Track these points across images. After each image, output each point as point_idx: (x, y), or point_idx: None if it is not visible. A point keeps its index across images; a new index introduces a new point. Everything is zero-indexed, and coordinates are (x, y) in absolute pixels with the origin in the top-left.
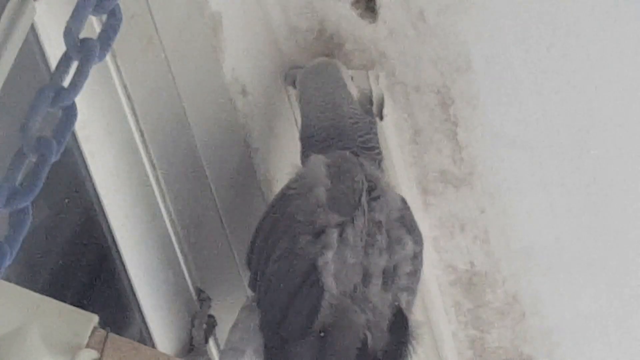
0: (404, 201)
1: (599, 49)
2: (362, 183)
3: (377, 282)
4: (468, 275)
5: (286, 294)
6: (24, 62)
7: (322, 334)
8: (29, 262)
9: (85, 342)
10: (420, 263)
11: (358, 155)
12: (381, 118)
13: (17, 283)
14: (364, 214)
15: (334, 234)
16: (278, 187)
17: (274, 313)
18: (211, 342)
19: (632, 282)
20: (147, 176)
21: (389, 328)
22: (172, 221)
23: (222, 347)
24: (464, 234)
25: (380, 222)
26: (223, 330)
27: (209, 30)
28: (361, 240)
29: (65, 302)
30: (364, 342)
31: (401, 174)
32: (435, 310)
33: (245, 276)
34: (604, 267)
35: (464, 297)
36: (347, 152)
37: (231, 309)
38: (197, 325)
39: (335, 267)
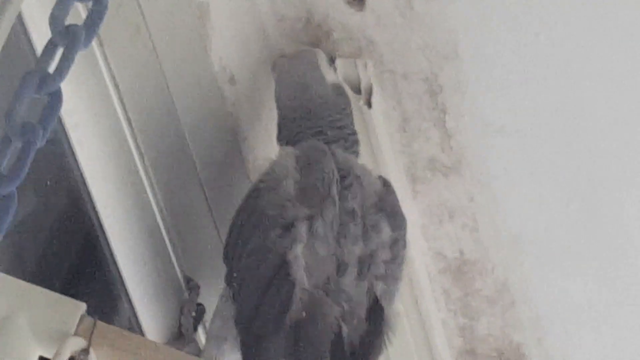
0: (385, 183)
1: (588, 36)
2: (333, 173)
3: (352, 270)
4: (457, 264)
5: (258, 290)
6: (9, 48)
7: (295, 328)
8: (15, 250)
9: (73, 330)
10: (402, 248)
11: (327, 136)
12: (369, 106)
13: (3, 271)
14: (335, 205)
15: (303, 227)
16: None
17: (247, 309)
18: (200, 330)
19: (621, 269)
20: (135, 164)
21: (367, 317)
22: (160, 209)
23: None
24: (453, 222)
25: (353, 210)
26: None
27: (197, 18)
28: (332, 231)
29: (52, 290)
30: (339, 334)
31: (390, 162)
32: (424, 298)
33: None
34: (593, 255)
35: (453, 285)
36: (318, 141)
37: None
38: (186, 313)
39: (306, 260)
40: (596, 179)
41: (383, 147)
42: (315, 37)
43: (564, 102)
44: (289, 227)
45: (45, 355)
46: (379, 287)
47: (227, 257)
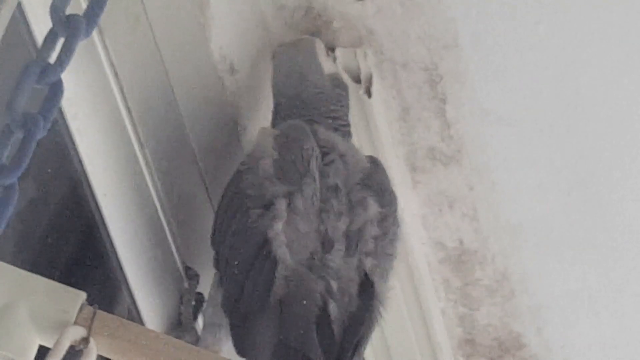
0: (374, 162)
1: (588, 25)
2: (312, 150)
3: (340, 247)
4: (457, 253)
5: (241, 270)
6: (10, 38)
7: (279, 305)
8: (15, 240)
9: (73, 319)
10: (393, 225)
11: (316, 123)
12: (369, 96)
13: (4, 260)
14: (315, 181)
15: (282, 204)
16: None
17: (233, 289)
18: (200, 319)
19: (621, 258)
20: (135, 154)
21: (358, 293)
22: (160, 199)
23: None
24: (452, 212)
25: (336, 185)
26: None
27: (197, 8)
28: (313, 207)
29: (53, 279)
30: (324, 309)
31: (389, 151)
32: (424, 287)
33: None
34: (592, 244)
35: (453, 274)
36: (299, 121)
37: None
38: (185, 302)
39: (287, 237)
40: (595, 168)
41: (383, 137)
42: (315, 27)
43: (564, 91)
44: (268, 205)
45: (45, 344)
46: (368, 262)
47: (214, 242)
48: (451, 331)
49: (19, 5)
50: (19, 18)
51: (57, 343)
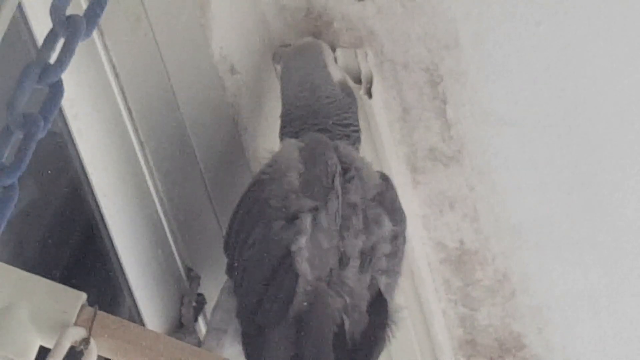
0: (384, 178)
1: (589, 25)
2: (336, 166)
3: (354, 263)
4: (458, 253)
5: (261, 281)
6: (10, 38)
7: (297, 320)
8: (16, 240)
9: (74, 320)
10: (402, 243)
11: (331, 133)
12: (370, 96)
13: (4, 261)
14: (338, 198)
15: (307, 219)
16: None
17: (250, 300)
18: (200, 320)
19: (621, 258)
20: (136, 154)
21: (368, 310)
22: (160, 199)
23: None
24: (453, 212)
25: (355, 203)
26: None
27: (197, 8)
28: (336, 223)
29: (53, 280)
30: (341, 326)
31: (390, 152)
32: (425, 288)
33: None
34: (593, 244)
35: (453, 275)
36: (321, 135)
37: (219, 287)
38: (186, 304)
39: (309, 252)
40: (596, 168)
41: (383, 137)
42: (315, 27)
43: (565, 91)
44: (292, 218)
45: (46, 345)
46: (382, 280)
47: (228, 249)
48: (452, 331)
49: (20, 5)
50: (20, 18)
51: (57, 344)
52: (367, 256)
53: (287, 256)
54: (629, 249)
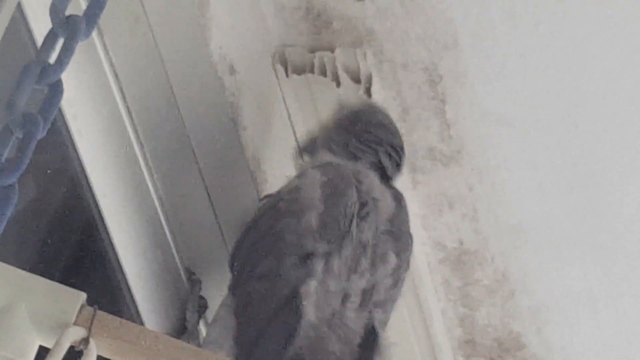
0: (397, 199)
1: (587, 25)
2: (355, 206)
3: (355, 300)
4: (457, 253)
5: (264, 315)
6: (10, 38)
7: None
8: (16, 240)
9: (73, 319)
10: (405, 270)
11: (358, 159)
12: (369, 96)
13: (3, 261)
14: (352, 242)
15: (320, 263)
16: (266, 165)
17: (250, 331)
18: (201, 324)
19: (621, 258)
20: (135, 154)
21: (360, 345)
22: (160, 200)
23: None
24: (452, 212)
25: (367, 242)
26: (213, 312)
27: (196, 8)
28: (346, 268)
29: (52, 280)
30: None
31: None
32: (424, 288)
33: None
34: (592, 244)
35: (453, 275)
36: (344, 167)
37: (221, 290)
38: (191, 308)
39: (317, 296)
40: (595, 168)
41: None
42: (315, 27)
43: (564, 91)
44: (304, 258)
45: (45, 344)
46: (377, 315)
47: (234, 269)
48: (451, 331)
49: (19, 5)
50: (19, 18)
51: (56, 344)
52: (367, 294)
53: (295, 296)
54: (628, 248)
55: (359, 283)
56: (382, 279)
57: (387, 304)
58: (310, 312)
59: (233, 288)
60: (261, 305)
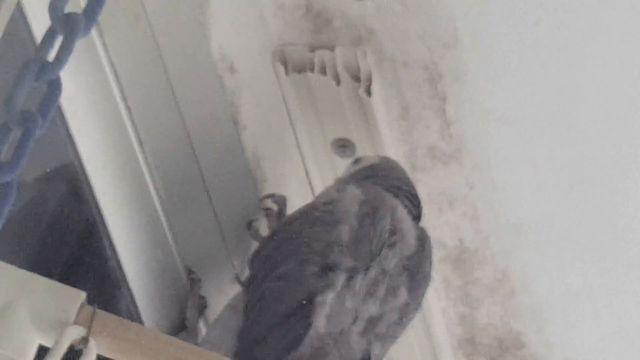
0: (421, 238)
1: (588, 24)
2: (387, 231)
3: (360, 324)
4: (457, 252)
5: (275, 316)
6: (9, 36)
7: None
8: (14, 239)
9: (73, 318)
10: (412, 310)
11: (399, 191)
12: (369, 95)
13: (3, 260)
14: (378, 265)
15: (341, 277)
16: (266, 164)
17: (257, 329)
18: (201, 323)
19: (621, 257)
20: (135, 153)
21: None
22: (160, 198)
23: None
24: (452, 211)
25: (387, 271)
26: (213, 312)
27: (196, 6)
28: (366, 288)
29: (52, 279)
30: None
31: (389, 150)
32: None
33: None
34: (593, 243)
35: (453, 273)
36: (386, 193)
37: (220, 289)
38: (191, 307)
39: (331, 309)
40: (596, 166)
41: (383, 136)
42: (315, 26)
43: (564, 89)
44: (327, 269)
45: (45, 343)
46: (376, 348)
47: (253, 265)
48: (451, 330)
49: (18, 3)
50: (18, 16)
51: (56, 343)
52: (372, 322)
53: (309, 304)
54: (629, 247)
55: (371, 309)
56: (388, 312)
57: (386, 339)
58: (320, 322)
59: (248, 283)
60: (274, 306)
